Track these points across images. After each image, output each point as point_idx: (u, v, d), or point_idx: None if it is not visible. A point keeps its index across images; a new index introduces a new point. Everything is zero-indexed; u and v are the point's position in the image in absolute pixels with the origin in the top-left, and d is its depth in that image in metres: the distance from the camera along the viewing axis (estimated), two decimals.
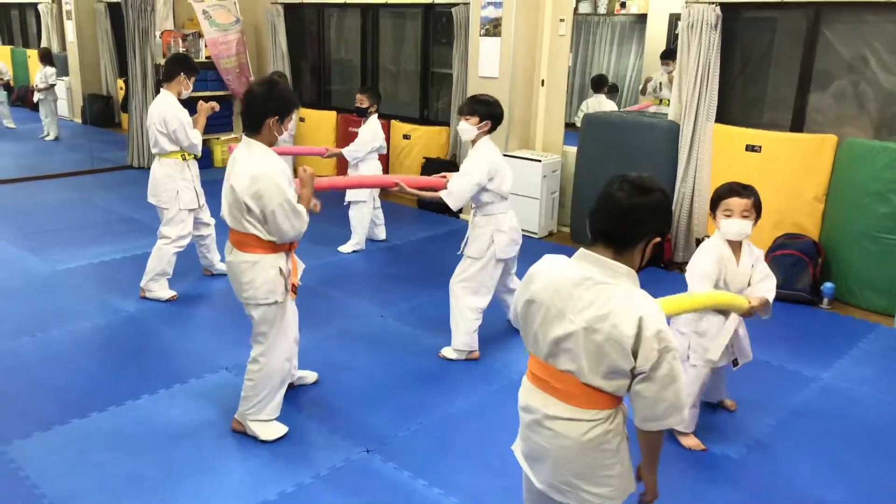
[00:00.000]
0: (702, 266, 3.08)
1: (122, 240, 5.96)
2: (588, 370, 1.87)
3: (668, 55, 8.28)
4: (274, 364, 3.19)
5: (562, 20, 6.37)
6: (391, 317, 4.61)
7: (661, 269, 5.65)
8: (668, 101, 8.17)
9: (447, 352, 4.08)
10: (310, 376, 3.73)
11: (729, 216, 3.07)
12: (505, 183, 3.89)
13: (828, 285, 4.96)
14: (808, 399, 3.72)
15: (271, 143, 3.04)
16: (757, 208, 3.09)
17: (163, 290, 4.76)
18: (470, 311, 3.96)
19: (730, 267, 3.10)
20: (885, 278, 4.77)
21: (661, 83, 8.35)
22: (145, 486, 2.89)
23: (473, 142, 3.89)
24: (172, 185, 4.71)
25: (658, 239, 1.88)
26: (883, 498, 2.95)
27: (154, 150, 4.74)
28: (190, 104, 4.82)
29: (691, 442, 3.26)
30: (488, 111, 3.84)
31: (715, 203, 3.13)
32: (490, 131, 3.88)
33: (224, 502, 2.81)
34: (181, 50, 8.38)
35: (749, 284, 3.14)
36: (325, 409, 3.49)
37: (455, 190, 3.82)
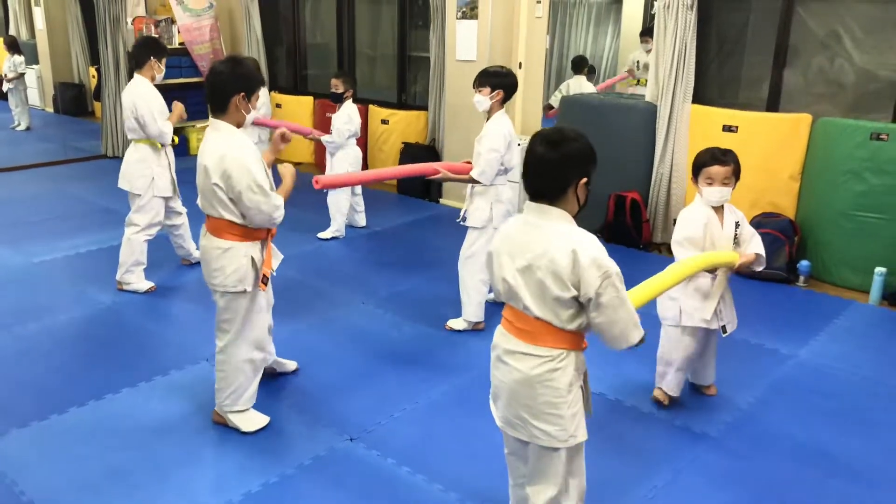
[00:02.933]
0: (688, 232, 3.20)
1: (98, 231, 5.89)
2: (535, 305, 2.07)
3: (647, 32, 8.30)
4: (241, 355, 3.13)
5: (538, 2, 6.34)
6: (372, 304, 4.60)
7: (641, 250, 5.68)
8: (646, 80, 8.22)
9: (456, 323, 4.21)
10: (290, 364, 3.71)
11: (710, 184, 3.17)
12: (514, 157, 4.03)
13: (804, 263, 5.02)
14: (785, 376, 3.77)
15: (239, 123, 2.95)
16: (736, 174, 3.20)
17: (140, 282, 4.71)
18: (482, 284, 4.11)
19: (715, 230, 3.21)
20: (860, 256, 4.83)
21: (638, 62, 8.35)
22: (128, 480, 2.87)
23: (488, 115, 4.01)
24: (148, 171, 4.64)
25: (585, 179, 2.07)
26: (861, 472, 3.00)
27: (130, 136, 4.67)
28: (164, 94, 4.75)
29: (659, 393, 3.45)
30: (500, 81, 3.95)
31: (696, 170, 3.22)
32: (504, 101, 4.01)
33: (208, 495, 2.80)
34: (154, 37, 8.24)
35: (737, 244, 3.23)
36: (306, 399, 3.48)
37: (485, 168, 3.94)
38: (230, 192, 2.88)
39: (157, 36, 8.24)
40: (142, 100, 4.54)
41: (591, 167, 2.09)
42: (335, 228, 5.86)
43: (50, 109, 11.60)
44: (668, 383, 3.40)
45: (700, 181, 3.20)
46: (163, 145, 4.69)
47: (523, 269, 2.08)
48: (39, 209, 6.56)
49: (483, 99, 3.97)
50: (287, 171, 3.18)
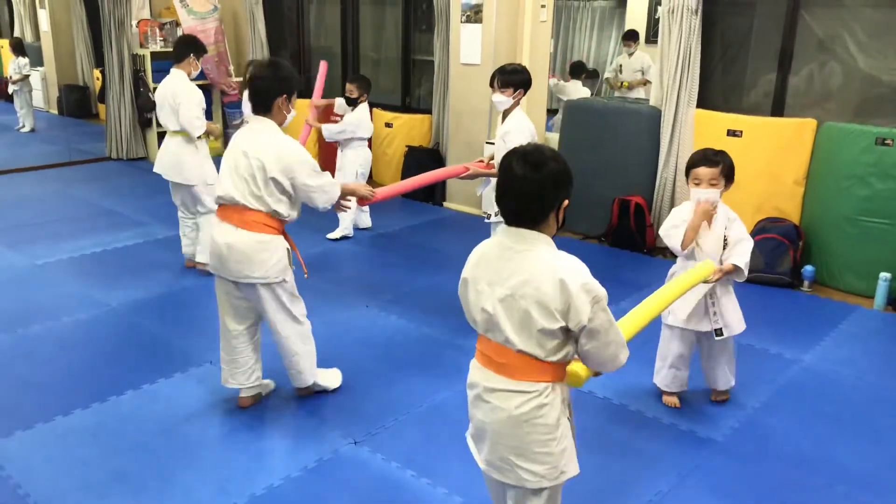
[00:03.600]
0: (667, 223, 3.29)
1: (102, 233, 5.90)
2: (518, 337, 1.92)
3: (630, 36, 8.33)
4: (304, 331, 3.35)
5: (543, 6, 6.35)
6: (376, 307, 4.60)
7: (644, 254, 5.68)
8: (628, 83, 8.22)
9: None
10: (270, 384, 3.58)
11: (697, 185, 3.20)
12: None
13: (808, 268, 5.01)
14: (790, 381, 3.76)
15: (281, 122, 3.13)
16: (726, 175, 3.20)
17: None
18: None
19: (701, 230, 3.21)
20: (864, 261, 4.82)
21: (621, 65, 8.36)
22: (132, 482, 2.87)
23: (505, 113, 4.06)
24: (196, 160, 4.83)
25: (567, 202, 1.95)
26: (866, 478, 2.99)
27: (171, 128, 4.84)
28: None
29: (667, 398, 3.48)
30: (521, 79, 3.99)
31: (687, 171, 3.27)
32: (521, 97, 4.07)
33: (212, 498, 2.80)
34: (158, 40, 8.27)
35: (725, 247, 3.23)
36: (311, 402, 3.47)
37: None
38: (293, 183, 3.05)
39: (162, 39, 8.28)
40: (182, 88, 4.74)
41: (570, 188, 1.96)
42: (344, 227, 5.88)
43: (54, 111, 11.62)
44: (663, 378, 3.46)
45: (689, 181, 3.24)
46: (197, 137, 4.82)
47: (504, 299, 1.92)
48: (43, 211, 6.57)
49: (506, 99, 4.00)
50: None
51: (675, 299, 2.69)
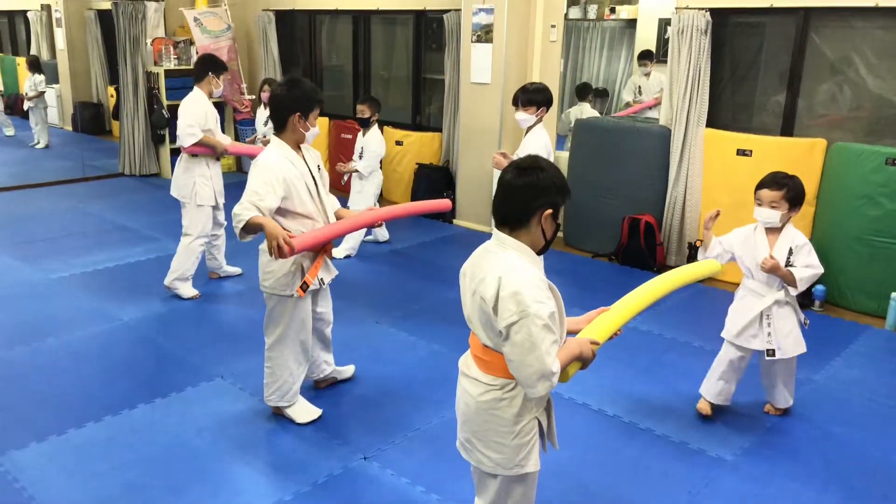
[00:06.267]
0: (722, 239, 3.36)
1: (115, 248, 5.95)
2: (483, 332, 2.04)
3: (646, 56, 8.36)
4: (286, 354, 3.32)
5: (553, 26, 6.41)
6: (386, 323, 4.62)
7: (654, 272, 5.68)
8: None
9: None
10: (347, 370, 3.86)
11: (759, 205, 3.28)
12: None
13: (819, 288, 5.00)
14: (801, 400, 3.74)
15: (297, 140, 3.17)
16: (791, 200, 3.24)
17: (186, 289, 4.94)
18: None
19: (749, 247, 3.32)
20: (875, 281, 4.81)
21: (639, 87, 8.39)
22: (143, 496, 2.89)
23: (528, 129, 4.16)
24: (191, 179, 4.86)
25: (550, 210, 1.99)
26: (876, 499, 2.98)
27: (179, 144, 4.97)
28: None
29: (701, 404, 3.53)
30: (544, 98, 4.12)
31: (755, 191, 3.33)
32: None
33: None
34: (172, 58, 8.38)
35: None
36: (321, 417, 3.49)
37: None
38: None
39: (176, 58, 8.38)
40: (186, 105, 4.84)
41: (557, 198, 2.00)
42: (350, 246, 5.89)
43: (69, 128, 11.76)
44: (710, 388, 3.51)
45: (755, 200, 3.31)
46: (194, 155, 4.86)
47: (473, 295, 2.04)
48: (57, 226, 6.63)
49: (528, 117, 4.12)
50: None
51: (672, 287, 2.52)
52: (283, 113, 3.10)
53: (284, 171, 3.06)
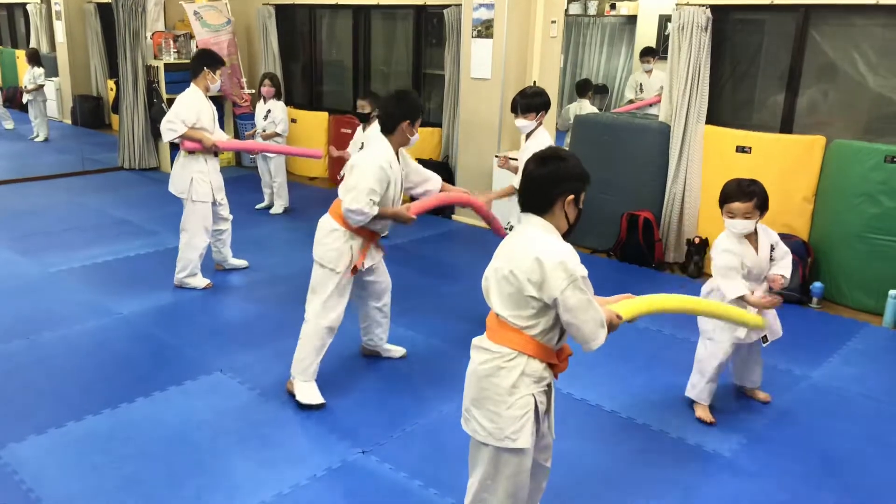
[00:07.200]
0: (725, 262, 3.32)
1: (113, 242, 5.95)
2: (499, 301, 2.18)
3: (648, 52, 8.35)
4: (320, 324, 3.52)
5: (553, 22, 6.40)
6: None
7: (653, 269, 5.69)
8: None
9: None
10: (397, 351, 4.08)
11: (732, 217, 3.28)
12: None
13: (817, 285, 5.01)
14: (798, 397, 3.76)
15: (401, 144, 3.52)
16: (760, 207, 3.27)
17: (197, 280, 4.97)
18: None
19: (748, 256, 3.32)
20: (873, 278, 4.82)
21: (640, 83, 8.39)
22: (142, 489, 2.90)
23: (528, 133, 4.15)
24: (187, 175, 4.85)
25: (572, 196, 2.16)
26: (873, 496, 2.99)
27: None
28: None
29: (703, 413, 3.48)
30: (542, 101, 4.11)
31: (721, 202, 3.33)
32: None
33: None
34: (172, 51, 8.37)
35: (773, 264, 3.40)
36: (320, 411, 3.50)
37: None
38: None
39: (175, 51, 8.37)
40: (176, 101, 4.83)
41: (578, 185, 2.18)
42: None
43: (68, 121, 11.75)
44: (701, 392, 3.50)
45: (724, 212, 3.31)
46: (191, 152, 4.83)
47: (496, 268, 2.19)
48: (56, 220, 6.63)
49: (529, 123, 4.11)
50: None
51: (711, 316, 3.11)
52: (395, 119, 3.45)
53: (390, 173, 3.43)
